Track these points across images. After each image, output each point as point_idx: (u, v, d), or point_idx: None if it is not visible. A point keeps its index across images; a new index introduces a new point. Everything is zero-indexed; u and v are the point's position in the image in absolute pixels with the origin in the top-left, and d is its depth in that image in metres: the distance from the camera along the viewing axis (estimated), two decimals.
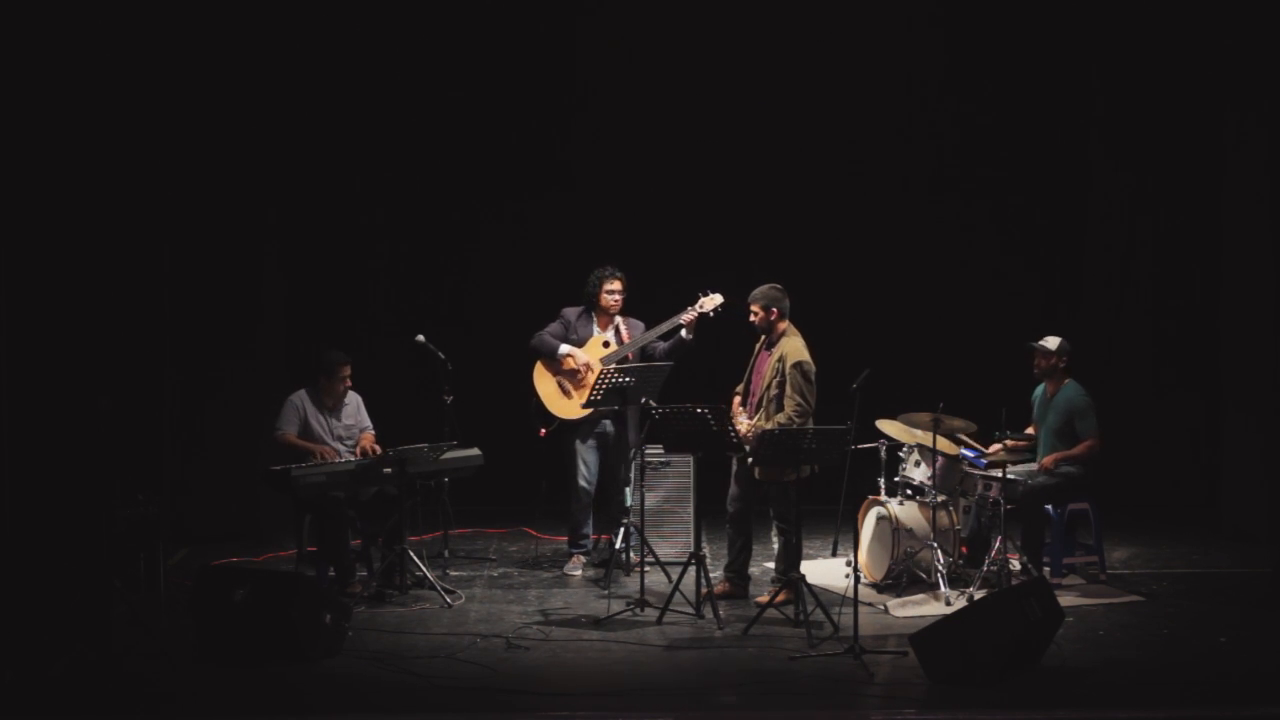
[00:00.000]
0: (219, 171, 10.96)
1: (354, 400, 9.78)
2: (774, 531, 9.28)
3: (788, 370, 8.90)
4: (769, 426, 8.79)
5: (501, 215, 12.32)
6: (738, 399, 9.24)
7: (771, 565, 9.41)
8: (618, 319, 10.07)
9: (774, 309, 9.11)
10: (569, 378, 9.97)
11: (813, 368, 8.96)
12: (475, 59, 12.06)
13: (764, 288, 9.16)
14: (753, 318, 9.17)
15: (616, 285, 9.99)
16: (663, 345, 9.94)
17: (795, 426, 8.70)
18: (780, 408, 8.91)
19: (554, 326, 10.08)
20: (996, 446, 9.45)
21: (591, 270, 10.06)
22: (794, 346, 9.00)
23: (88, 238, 9.34)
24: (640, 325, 10.02)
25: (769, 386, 8.99)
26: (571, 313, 10.11)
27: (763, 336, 9.21)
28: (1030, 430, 9.81)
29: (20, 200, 8.67)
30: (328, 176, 11.91)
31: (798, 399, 8.88)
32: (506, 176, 12.27)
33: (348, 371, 9.63)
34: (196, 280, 10.96)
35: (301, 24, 11.38)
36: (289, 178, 11.54)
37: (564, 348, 9.96)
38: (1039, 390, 9.80)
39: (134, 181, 10.12)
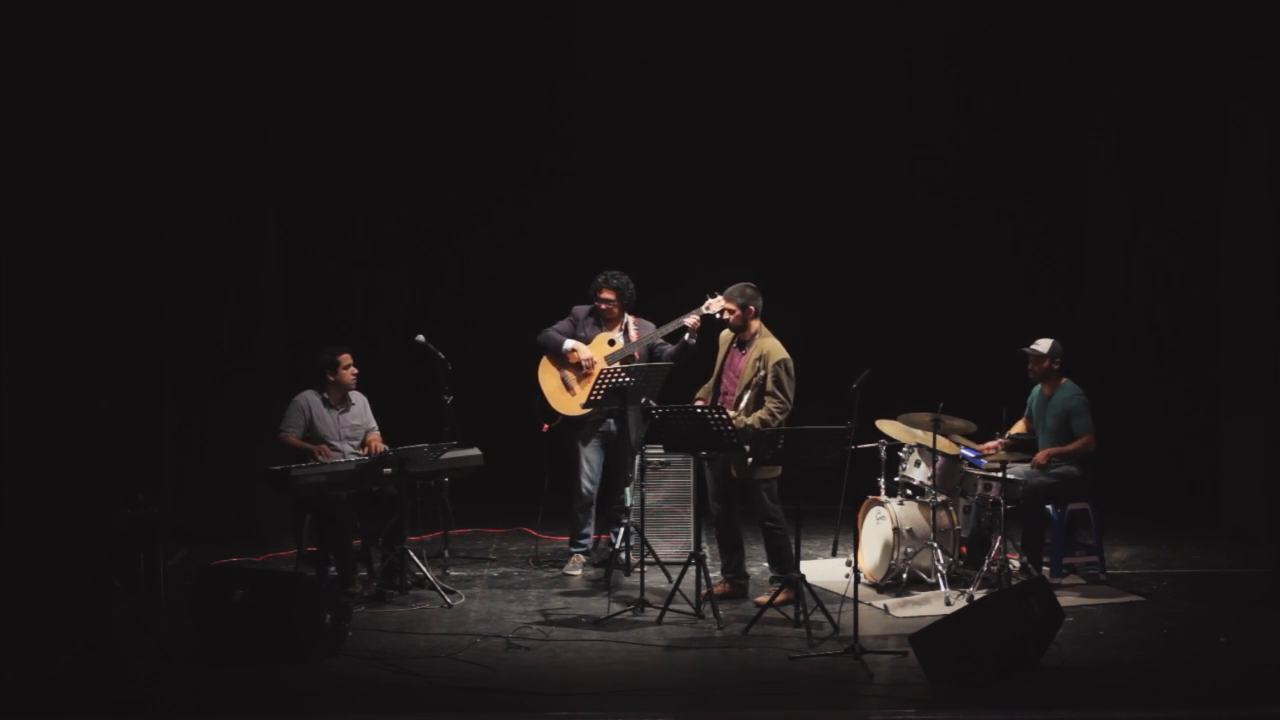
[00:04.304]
0: (218, 172, 10.97)
1: (360, 400, 9.77)
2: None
3: (770, 368, 8.91)
4: (749, 422, 8.80)
5: (502, 213, 12.31)
6: (702, 402, 9.18)
7: (769, 565, 9.42)
8: (628, 319, 10.05)
9: (750, 307, 9.10)
10: (574, 373, 9.97)
11: (792, 365, 8.96)
12: (476, 54, 12.04)
13: (739, 285, 9.13)
14: (728, 315, 9.14)
15: (608, 295, 9.98)
16: (669, 348, 9.93)
17: (776, 424, 8.71)
18: (760, 405, 8.91)
19: (562, 324, 10.09)
20: (994, 443, 9.45)
21: (594, 270, 10.07)
22: (774, 345, 9.01)
23: (88, 238, 9.33)
24: (650, 326, 9.99)
25: (749, 385, 8.98)
26: (581, 310, 10.12)
27: (732, 335, 9.20)
28: (1020, 426, 9.82)
29: (20, 200, 8.65)
30: (327, 177, 11.91)
31: (780, 396, 8.89)
32: (506, 175, 12.27)
33: (350, 360, 9.62)
34: (196, 280, 10.97)
35: (300, 23, 11.37)
36: (288, 178, 11.53)
37: (569, 342, 9.96)
38: (1035, 391, 9.80)
39: (134, 182, 10.11)
